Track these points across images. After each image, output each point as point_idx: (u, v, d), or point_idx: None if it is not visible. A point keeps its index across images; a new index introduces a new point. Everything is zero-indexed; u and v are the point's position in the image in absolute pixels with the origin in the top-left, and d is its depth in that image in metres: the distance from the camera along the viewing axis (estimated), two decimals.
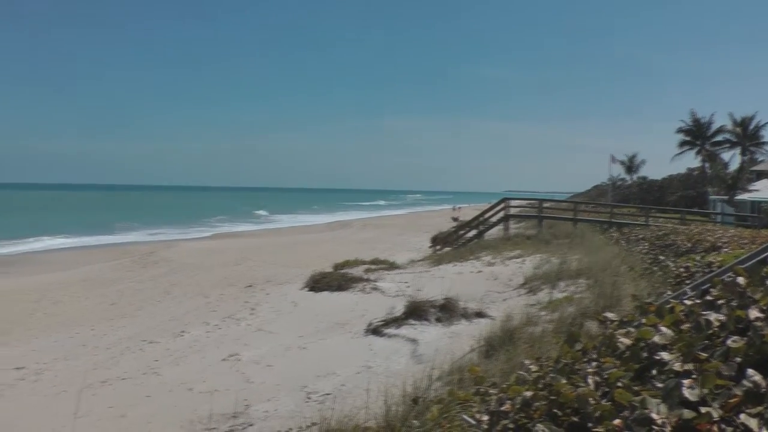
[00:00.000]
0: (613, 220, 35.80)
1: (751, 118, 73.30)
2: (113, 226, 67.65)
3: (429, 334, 13.77)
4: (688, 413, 2.38)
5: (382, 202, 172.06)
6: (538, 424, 2.92)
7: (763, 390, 2.41)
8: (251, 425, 9.06)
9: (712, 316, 3.11)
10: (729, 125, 74.58)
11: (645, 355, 3.05)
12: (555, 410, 3.01)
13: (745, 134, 73.73)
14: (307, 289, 21.10)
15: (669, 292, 8.22)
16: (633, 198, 71.12)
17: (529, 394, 3.24)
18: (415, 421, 4.91)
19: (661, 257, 16.25)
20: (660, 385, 2.64)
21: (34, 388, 13.27)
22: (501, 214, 36.74)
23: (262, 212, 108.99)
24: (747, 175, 58.59)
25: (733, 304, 3.20)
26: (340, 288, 20.40)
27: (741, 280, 3.36)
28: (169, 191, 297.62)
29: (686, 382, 2.50)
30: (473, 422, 3.58)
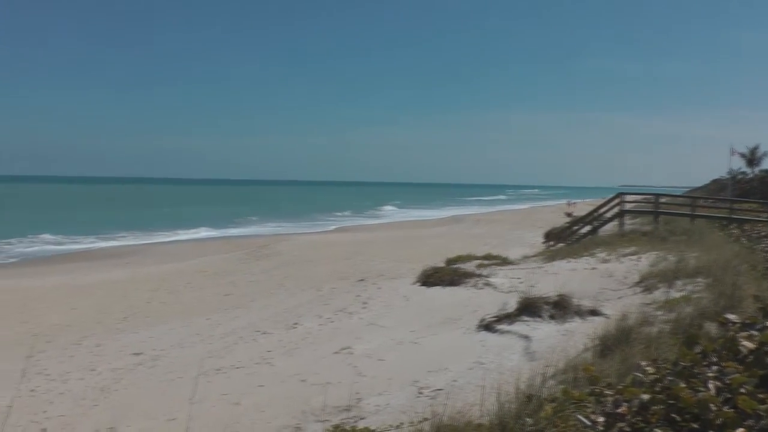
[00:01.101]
0: (733, 216, 34.50)
1: None
2: (233, 220, 69.48)
3: (542, 331, 13.59)
4: None
5: (496, 197, 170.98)
6: (656, 429, 2.85)
7: None
8: (363, 418, 9.11)
9: None
10: None
11: None
12: (673, 415, 2.93)
13: None
14: (419, 283, 21.11)
15: None
16: (754, 193, 68.19)
17: (646, 397, 3.16)
18: (528, 419, 4.85)
19: None
20: None
21: (152, 373, 13.74)
22: (615, 210, 35.84)
23: (388, 208, 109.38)
24: None
25: None
26: (453, 283, 20.34)
27: None
28: (293, 186, 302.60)
29: None
30: (588, 423, 3.51)
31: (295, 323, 17.23)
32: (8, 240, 47.04)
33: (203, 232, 56.84)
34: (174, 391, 12.29)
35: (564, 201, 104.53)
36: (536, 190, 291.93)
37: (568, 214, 56.72)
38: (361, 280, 24.50)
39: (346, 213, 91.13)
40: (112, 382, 13.29)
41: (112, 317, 20.03)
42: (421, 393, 10.29)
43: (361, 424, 8.34)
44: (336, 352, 13.79)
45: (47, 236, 49.66)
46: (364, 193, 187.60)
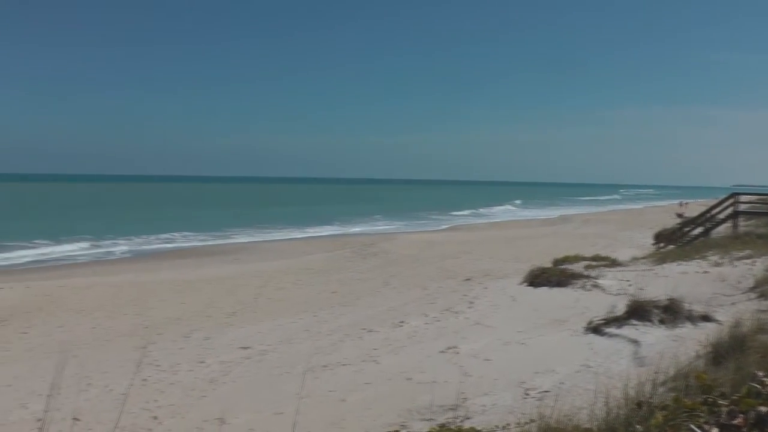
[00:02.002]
0: None
1: None
2: (338, 218, 70.28)
3: (651, 335, 13.31)
4: None
5: (610, 197, 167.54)
6: None
7: None
8: (468, 418, 9.11)
9: None
10: None
11: None
12: None
13: None
14: (525, 283, 20.95)
15: None
16: None
17: (764, 409, 3.08)
18: (638, 427, 4.76)
19: None
20: None
21: (259, 368, 14.01)
22: (729, 211, 34.76)
23: (508, 207, 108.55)
24: None
25: None
26: (560, 284, 20.11)
27: None
28: (411, 185, 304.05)
29: None
30: None
31: (401, 321, 17.32)
32: (128, 237, 49.00)
33: (319, 231, 57.66)
34: (281, 386, 12.52)
35: (676, 201, 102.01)
36: (651, 190, 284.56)
37: (679, 215, 55.31)
38: (468, 279, 24.45)
39: (463, 212, 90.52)
40: (220, 374, 13.61)
41: (220, 312, 20.52)
42: (527, 394, 10.23)
43: (467, 424, 8.32)
44: (442, 351, 13.81)
45: (160, 234, 51.25)
46: (486, 193, 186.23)
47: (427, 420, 9.31)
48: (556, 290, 19.70)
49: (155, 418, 11.21)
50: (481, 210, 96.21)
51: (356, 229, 59.47)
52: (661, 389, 6.83)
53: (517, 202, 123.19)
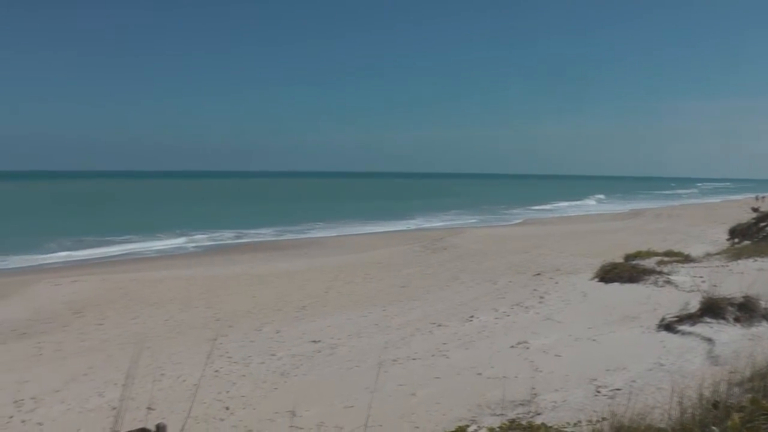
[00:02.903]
0: None
1: None
2: (412, 212, 70.46)
3: (726, 334, 13.07)
4: None
5: (687, 191, 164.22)
6: None
7: None
8: (539, 414, 9.07)
9: None
10: None
11: None
12: None
13: None
14: (596, 279, 20.76)
15: None
16: None
17: None
18: (714, 428, 4.71)
19: None
20: None
21: (329, 361, 14.13)
22: None
23: (589, 201, 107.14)
24: None
25: None
26: (631, 280, 19.87)
27: None
28: (488, 179, 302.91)
29: None
30: None
31: (471, 316, 17.31)
32: (203, 231, 50.00)
33: (391, 225, 57.83)
34: (351, 379, 12.62)
35: (752, 195, 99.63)
36: (728, 184, 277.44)
37: (755, 209, 53.97)
38: (538, 274, 24.29)
39: (542, 206, 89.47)
40: (291, 367, 13.77)
41: (290, 305, 20.74)
42: (598, 392, 10.15)
43: (537, 420, 8.30)
44: (512, 347, 13.77)
45: (234, 229, 52.05)
46: (572, 187, 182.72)
47: (498, 415, 9.31)
48: (627, 286, 19.48)
49: (227, 408, 11.40)
50: (560, 204, 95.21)
51: (429, 224, 59.42)
52: (737, 390, 6.72)
53: (599, 196, 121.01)
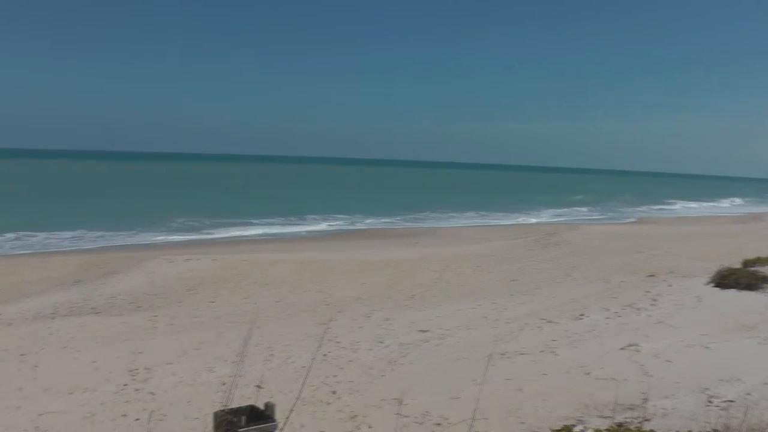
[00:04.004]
0: None
1: None
2: (527, 206, 69.92)
3: None
4: None
5: None
6: None
7: None
8: (647, 420, 8.94)
9: None
10: None
11: None
12: None
13: None
14: (712, 284, 20.20)
15: None
16: None
17: None
18: None
19: None
20: None
21: (437, 351, 14.23)
22: None
23: (731, 202, 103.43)
24: None
25: None
26: (750, 287, 19.28)
27: None
28: (600, 175, 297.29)
29: None
30: None
31: (581, 314, 17.14)
32: (318, 216, 51.01)
33: (504, 217, 57.65)
34: (458, 371, 12.69)
35: None
36: None
37: None
38: (652, 275, 23.77)
39: (666, 205, 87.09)
40: (399, 355, 13.93)
41: (400, 294, 20.92)
42: (710, 402, 9.94)
43: (646, 426, 8.20)
44: (622, 348, 13.59)
45: (345, 215, 52.73)
46: (711, 187, 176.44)
47: (605, 417, 9.23)
48: (744, 293, 18.91)
49: (334, 392, 11.63)
50: (691, 204, 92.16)
51: (543, 219, 58.78)
52: None
53: (735, 199, 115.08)
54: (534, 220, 56.92)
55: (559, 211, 68.26)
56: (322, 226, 47.25)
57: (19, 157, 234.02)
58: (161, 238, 38.74)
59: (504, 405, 10.41)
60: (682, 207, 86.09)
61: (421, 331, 15.91)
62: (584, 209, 72.90)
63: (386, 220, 51.80)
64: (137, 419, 10.41)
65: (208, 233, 41.60)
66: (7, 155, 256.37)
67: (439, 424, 9.94)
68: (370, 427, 10.03)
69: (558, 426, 8.79)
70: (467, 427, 8.44)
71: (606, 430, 7.46)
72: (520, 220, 57.19)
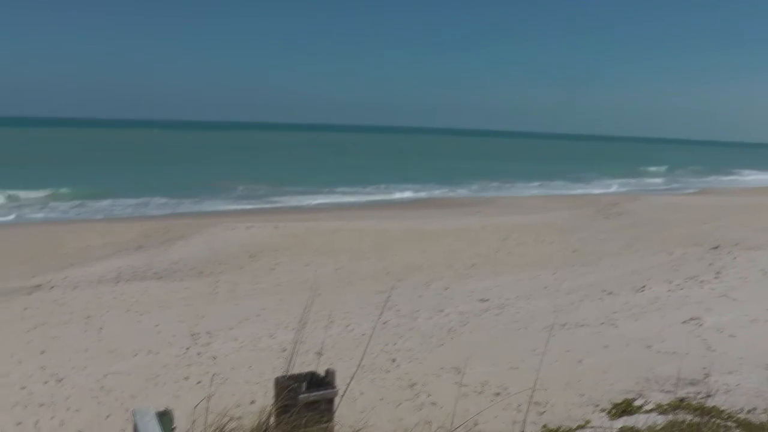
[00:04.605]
0: None
1: None
2: (592, 176, 69.14)
3: None
4: None
5: None
6: None
7: None
8: (710, 396, 8.83)
9: None
10: None
11: None
12: None
13: None
14: None
15: None
16: None
17: None
18: None
19: None
20: None
21: (497, 321, 14.26)
22: None
23: None
24: None
25: None
26: None
27: None
28: (670, 144, 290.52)
29: None
30: None
31: (643, 286, 16.95)
32: (380, 184, 51.24)
33: (566, 187, 57.03)
34: (518, 341, 12.71)
35: None
36: None
37: None
38: (715, 247, 23.32)
39: (729, 176, 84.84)
40: (458, 324, 13.98)
41: (460, 263, 20.87)
42: None
43: (708, 403, 8.12)
44: (684, 322, 13.45)
45: (407, 184, 52.65)
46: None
47: (666, 392, 9.16)
48: None
49: (393, 360, 11.74)
50: (763, 175, 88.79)
51: (606, 189, 57.88)
52: None
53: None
54: (596, 191, 56.12)
55: (622, 181, 67.18)
56: (385, 195, 47.30)
57: (95, 126, 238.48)
58: (224, 206, 39.25)
59: (563, 377, 10.39)
60: (753, 178, 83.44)
61: (481, 300, 15.92)
62: (649, 180, 71.66)
63: (448, 190, 51.62)
64: (199, 382, 10.66)
65: (271, 201, 42.06)
66: (91, 125, 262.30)
67: (498, 394, 9.98)
68: (429, 396, 10.12)
69: (618, 399, 8.77)
70: (527, 397, 8.47)
71: (667, 404, 7.41)
72: (582, 190, 56.46)
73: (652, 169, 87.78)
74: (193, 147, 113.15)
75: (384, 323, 13.67)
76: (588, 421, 8.21)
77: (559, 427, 7.80)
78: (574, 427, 7.89)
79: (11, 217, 33.11)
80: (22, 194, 39.14)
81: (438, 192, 50.19)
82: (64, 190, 40.85)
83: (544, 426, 7.87)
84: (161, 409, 4.51)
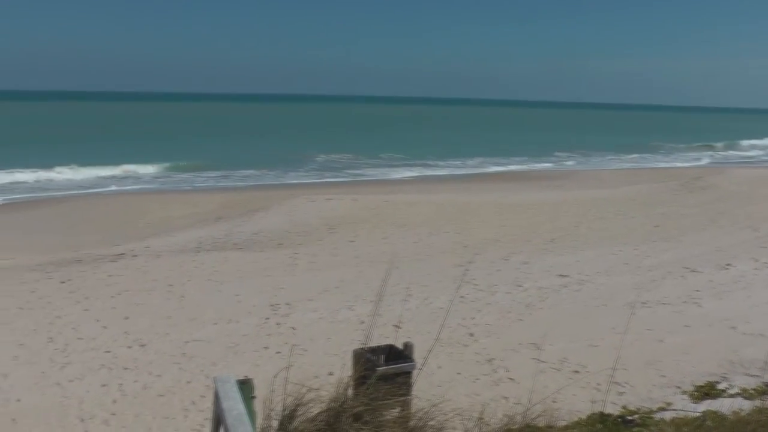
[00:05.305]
0: None
1: None
2: (670, 147, 67.64)
3: None
4: None
5: None
6: None
7: None
8: None
9: None
10: None
11: None
12: None
13: None
14: None
15: None
16: None
17: None
18: None
19: None
20: None
21: (576, 297, 14.09)
22: None
23: None
24: None
25: None
26: None
27: None
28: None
29: None
30: None
31: (728, 264, 16.55)
32: (455, 158, 51.09)
33: (646, 160, 55.85)
34: (597, 318, 12.55)
35: None
36: None
37: None
38: None
39: None
40: (536, 299, 13.87)
41: (539, 237, 20.65)
42: None
43: None
44: None
45: (482, 157, 52.30)
46: None
47: (752, 376, 8.92)
48: None
49: (471, 335, 11.71)
50: None
51: (688, 162, 56.46)
52: None
53: None
54: (679, 164, 54.82)
55: (706, 153, 65.54)
56: (462, 168, 47.04)
57: (179, 100, 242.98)
58: (304, 178, 39.61)
59: (643, 356, 10.23)
60: None
61: (560, 275, 15.74)
62: (734, 152, 69.61)
63: (526, 162, 51.08)
64: (278, 352, 10.81)
65: (350, 173, 42.29)
66: (170, 98, 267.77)
67: (576, 372, 9.89)
68: (507, 371, 10.08)
69: (701, 382, 8.58)
70: (606, 376, 8.34)
71: (753, 389, 7.19)
72: (664, 163, 55.23)
73: (744, 142, 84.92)
74: (275, 120, 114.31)
75: (462, 297, 13.60)
76: (669, 404, 8.04)
77: (639, 409, 7.65)
78: (655, 408, 7.72)
79: (111, 188, 34.16)
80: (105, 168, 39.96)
81: (514, 164, 49.71)
82: (153, 163, 41.63)
83: (624, 407, 7.73)
84: (242, 377, 4.58)
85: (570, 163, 52.69)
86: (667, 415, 7.25)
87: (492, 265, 16.82)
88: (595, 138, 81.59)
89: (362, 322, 11.76)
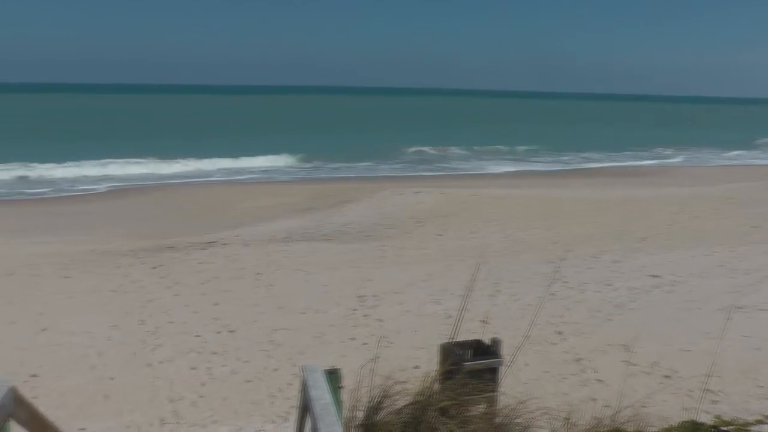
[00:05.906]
0: None
1: None
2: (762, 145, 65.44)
3: None
4: None
5: None
6: None
7: None
8: None
9: None
10: None
11: None
12: None
13: None
14: None
15: None
16: None
17: None
18: None
19: None
20: None
21: (668, 299, 13.71)
22: None
23: None
24: None
25: None
26: None
27: None
28: None
29: None
30: None
31: None
32: (546, 153, 50.60)
33: (742, 156, 54.25)
34: (690, 321, 12.21)
35: None
36: None
37: None
38: None
39: None
40: (627, 300, 13.57)
41: (630, 235, 20.18)
42: None
43: None
44: None
45: (575, 152, 51.60)
46: None
47: None
48: None
49: (560, 333, 11.54)
50: None
51: None
52: None
53: None
54: None
55: None
56: (551, 163, 46.53)
57: (265, 93, 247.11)
58: (393, 171, 39.78)
59: (739, 364, 9.89)
60: None
61: (651, 276, 15.36)
62: None
63: (617, 158, 50.14)
64: (365, 343, 10.85)
65: (440, 167, 42.32)
66: (255, 91, 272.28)
67: (668, 377, 9.63)
68: (595, 372, 9.91)
69: None
70: (699, 383, 8.08)
71: None
72: (761, 160, 53.32)
73: None
74: (367, 113, 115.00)
75: (552, 294, 13.39)
76: (767, 416, 7.74)
77: (735, 420, 7.38)
78: (752, 421, 7.44)
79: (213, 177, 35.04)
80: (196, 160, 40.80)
81: (604, 159, 48.94)
82: (243, 156, 42.35)
83: (717, 416, 7.47)
84: (329, 367, 4.60)
85: (665, 158, 51.41)
86: (765, 429, 7.00)
87: (583, 263, 16.53)
88: (689, 132, 79.55)
89: (449, 317, 11.67)
